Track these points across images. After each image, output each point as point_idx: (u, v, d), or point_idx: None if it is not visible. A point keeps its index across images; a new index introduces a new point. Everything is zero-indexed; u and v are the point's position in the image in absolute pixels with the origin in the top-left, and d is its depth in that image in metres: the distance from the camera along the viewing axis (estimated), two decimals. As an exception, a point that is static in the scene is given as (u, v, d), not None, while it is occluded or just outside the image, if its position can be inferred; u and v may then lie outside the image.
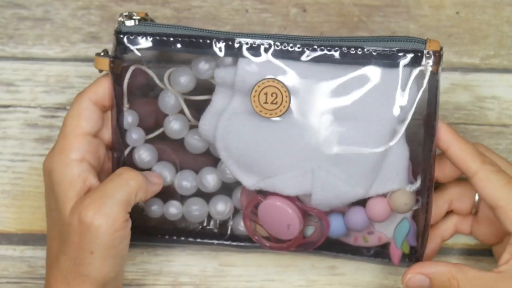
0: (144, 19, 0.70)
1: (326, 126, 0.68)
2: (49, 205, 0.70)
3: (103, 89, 0.70)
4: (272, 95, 0.67)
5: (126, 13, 0.70)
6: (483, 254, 0.78)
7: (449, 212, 0.74)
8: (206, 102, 0.71)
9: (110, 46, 0.78)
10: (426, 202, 0.69)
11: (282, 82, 0.67)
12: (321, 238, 0.71)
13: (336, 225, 0.71)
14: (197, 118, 0.71)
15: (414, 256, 0.72)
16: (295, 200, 0.70)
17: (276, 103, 0.67)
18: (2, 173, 0.79)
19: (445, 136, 0.68)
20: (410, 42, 0.67)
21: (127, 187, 0.68)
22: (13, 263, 0.78)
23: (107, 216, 0.66)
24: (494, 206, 0.67)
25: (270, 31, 0.79)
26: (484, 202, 0.71)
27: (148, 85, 0.71)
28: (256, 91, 0.67)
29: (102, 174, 0.72)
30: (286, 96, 0.67)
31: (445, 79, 0.78)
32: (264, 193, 0.71)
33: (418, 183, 0.69)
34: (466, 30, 0.79)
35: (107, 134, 0.71)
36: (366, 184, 0.68)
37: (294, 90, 0.67)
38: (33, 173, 0.78)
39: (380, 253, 0.74)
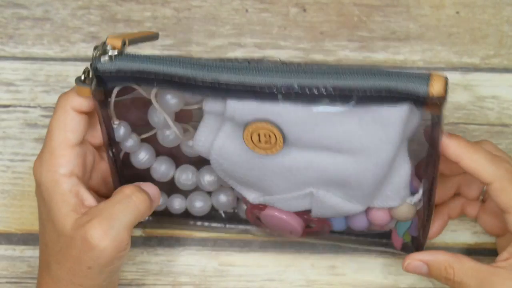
0: (120, 53, 0.64)
1: (322, 160, 0.65)
2: (41, 214, 0.69)
3: (86, 95, 0.67)
4: (265, 136, 0.64)
5: (99, 45, 0.64)
6: (482, 253, 0.78)
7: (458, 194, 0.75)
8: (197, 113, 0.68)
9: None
10: (428, 196, 0.69)
11: (275, 124, 0.63)
12: (323, 231, 0.73)
13: (337, 225, 0.72)
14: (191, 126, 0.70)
15: (415, 244, 0.72)
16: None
17: (269, 143, 0.64)
18: (1, 173, 0.79)
19: (455, 151, 0.67)
20: (412, 83, 0.60)
21: (136, 212, 0.67)
22: (13, 263, 0.78)
23: (114, 239, 0.65)
24: (506, 211, 0.67)
25: (270, 31, 0.78)
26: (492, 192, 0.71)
27: (136, 98, 0.69)
28: (248, 130, 0.64)
29: (95, 173, 0.71)
30: (281, 138, 0.63)
31: (445, 79, 0.78)
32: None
33: (420, 194, 0.68)
34: (466, 30, 0.79)
35: (94, 134, 0.70)
36: (366, 202, 0.68)
37: (288, 129, 0.63)
38: (33, 173, 0.78)
39: (383, 235, 0.74)
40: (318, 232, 0.73)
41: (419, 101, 0.60)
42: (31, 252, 0.78)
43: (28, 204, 0.78)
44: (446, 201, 0.75)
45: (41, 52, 0.79)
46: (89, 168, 0.70)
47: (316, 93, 0.61)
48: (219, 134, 0.66)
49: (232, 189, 0.73)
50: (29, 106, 0.79)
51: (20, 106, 0.79)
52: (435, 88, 0.60)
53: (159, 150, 0.73)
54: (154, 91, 0.66)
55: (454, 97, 0.78)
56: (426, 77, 0.60)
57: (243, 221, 0.75)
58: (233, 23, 0.79)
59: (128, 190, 0.68)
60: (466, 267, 0.68)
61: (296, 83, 0.61)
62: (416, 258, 0.69)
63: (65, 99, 0.68)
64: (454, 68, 0.78)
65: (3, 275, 0.78)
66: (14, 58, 0.79)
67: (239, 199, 0.74)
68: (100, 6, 0.79)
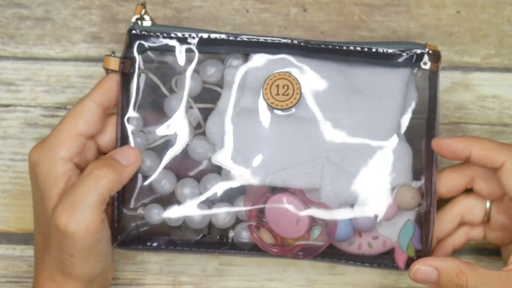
0: (154, 22, 0.72)
1: (335, 119, 0.70)
2: (34, 198, 0.70)
3: (108, 90, 0.70)
4: (283, 87, 0.69)
5: (138, 15, 0.70)
6: (482, 253, 0.78)
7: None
8: (208, 112, 0.72)
9: (111, 46, 0.78)
10: (429, 203, 0.70)
11: (293, 75, 0.69)
12: (327, 240, 0.71)
13: (343, 225, 0.71)
14: (199, 126, 0.72)
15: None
16: (303, 195, 0.70)
17: (287, 95, 0.69)
18: (2, 172, 0.79)
19: (461, 145, 0.68)
20: (410, 45, 0.70)
21: (97, 189, 0.66)
22: (13, 262, 0.78)
23: (80, 222, 0.66)
24: None
25: (270, 31, 0.79)
26: (495, 208, 0.71)
27: (153, 91, 0.72)
28: (267, 84, 0.69)
29: None
30: (298, 88, 0.69)
31: (446, 78, 0.78)
32: (271, 191, 0.71)
33: (422, 181, 0.70)
34: (467, 29, 0.78)
35: (103, 139, 0.71)
36: (373, 178, 0.70)
37: (304, 85, 0.70)
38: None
39: (384, 260, 0.72)
40: (320, 247, 0.71)
41: (417, 57, 0.70)
42: (32, 252, 0.78)
43: (28, 204, 0.78)
44: (450, 233, 0.73)
45: (42, 52, 0.79)
46: (89, 162, 0.70)
47: (332, 47, 0.70)
48: (236, 105, 0.71)
49: (232, 205, 0.72)
50: (29, 106, 0.79)
51: (21, 105, 0.79)
52: (431, 47, 0.70)
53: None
54: (175, 78, 0.71)
55: (455, 97, 0.78)
56: (421, 45, 0.70)
57: (238, 247, 0.73)
58: (233, 23, 0.79)
59: (89, 168, 0.68)
60: (479, 273, 0.67)
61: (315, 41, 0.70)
62: (426, 263, 0.68)
63: (88, 93, 0.70)
64: (455, 68, 0.78)
65: (3, 275, 0.78)
66: (15, 58, 0.79)
67: (238, 220, 0.72)
68: (101, 6, 0.79)
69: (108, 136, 0.71)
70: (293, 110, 0.70)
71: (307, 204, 0.70)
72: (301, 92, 0.69)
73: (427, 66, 0.70)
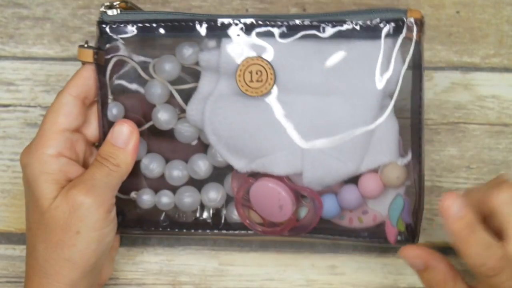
0: (125, 4, 0.70)
1: (313, 102, 0.68)
2: (26, 199, 0.70)
3: (83, 81, 0.70)
4: (257, 73, 0.68)
5: (107, 3, 0.70)
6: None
7: None
8: (192, 92, 0.71)
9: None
10: (418, 176, 0.69)
11: (266, 60, 0.68)
12: (314, 219, 0.71)
13: (329, 205, 0.71)
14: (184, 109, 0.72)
15: (410, 233, 0.71)
16: (285, 180, 0.70)
17: (261, 81, 0.68)
18: (2, 172, 0.79)
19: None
20: (391, 12, 0.68)
21: (112, 173, 0.69)
22: (13, 262, 0.78)
23: (97, 196, 0.67)
24: None
25: (270, 31, 0.79)
26: None
27: (132, 76, 0.71)
28: (241, 70, 0.68)
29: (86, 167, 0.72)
30: (271, 74, 0.68)
31: (445, 78, 0.78)
32: (255, 176, 0.71)
33: (409, 156, 0.70)
34: (466, 29, 0.79)
35: (90, 130, 0.72)
36: (357, 159, 0.69)
37: (278, 68, 0.68)
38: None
39: (375, 233, 0.72)
40: (308, 226, 0.71)
41: (399, 27, 0.67)
42: (31, 252, 0.78)
43: (28, 204, 0.79)
44: None
45: (41, 52, 0.79)
46: (81, 156, 0.71)
47: (305, 23, 0.68)
48: (213, 92, 0.69)
49: (222, 185, 0.73)
50: (29, 106, 0.79)
51: (20, 105, 0.79)
52: (413, 14, 0.68)
53: (150, 149, 0.73)
54: (152, 62, 0.71)
55: (454, 97, 0.78)
56: (403, 10, 0.68)
57: (231, 227, 0.74)
58: (233, 22, 0.79)
59: (99, 157, 0.69)
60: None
61: (292, 18, 0.68)
62: (421, 251, 0.68)
63: (64, 86, 0.70)
64: (454, 68, 0.78)
65: (3, 275, 0.78)
66: (15, 57, 0.79)
67: (229, 198, 0.73)
68: (100, 6, 0.79)
69: (94, 126, 0.72)
70: (270, 94, 0.68)
71: (290, 188, 0.70)
72: (275, 77, 0.68)
73: (408, 36, 0.67)
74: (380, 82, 0.68)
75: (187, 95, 0.71)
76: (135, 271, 0.79)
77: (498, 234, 0.66)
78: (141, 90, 0.72)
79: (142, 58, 0.71)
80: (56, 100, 0.70)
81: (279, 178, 0.70)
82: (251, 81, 0.68)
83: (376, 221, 0.72)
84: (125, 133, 0.70)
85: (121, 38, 0.69)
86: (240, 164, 0.70)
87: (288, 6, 0.79)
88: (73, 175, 0.69)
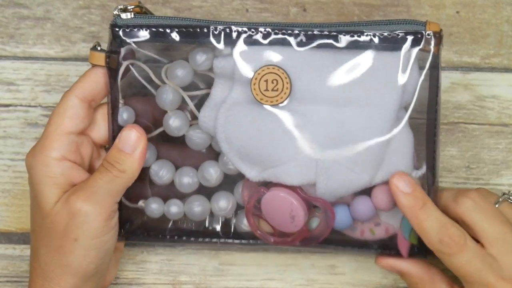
0: (139, 9, 0.70)
1: (329, 113, 0.67)
2: (31, 200, 0.70)
3: (90, 84, 0.69)
4: (272, 82, 0.67)
5: (121, 6, 0.69)
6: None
7: None
8: (205, 98, 0.70)
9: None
10: (432, 188, 0.69)
11: (282, 68, 0.67)
12: (326, 230, 0.70)
13: (341, 216, 0.70)
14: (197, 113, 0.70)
15: (423, 246, 0.69)
16: (298, 190, 0.69)
17: (276, 90, 0.67)
18: (2, 172, 0.79)
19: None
20: (410, 25, 0.67)
21: (116, 179, 0.67)
22: (13, 262, 0.79)
23: (96, 203, 0.67)
24: None
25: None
26: None
27: (144, 82, 0.71)
28: (256, 79, 0.67)
29: (92, 173, 0.71)
30: (287, 83, 0.67)
31: (446, 78, 0.78)
32: (266, 185, 0.70)
33: (424, 169, 0.69)
34: (466, 30, 0.79)
35: (97, 132, 0.71)
36: (371, 171, 0.68)
37: (294, 78, 0.67)
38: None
39: (387, 245, 0.72)
40: (319, 237, 0.71)
41: (417, 40, 0.67)
42: (32, 251, 0.78)
43: (28, 204, 0.78)
44: None
45: (42, 52, 0.79)
46: (87, 159, 0.71)
47: (322, 33, 0.67)
48: (227, 99, 0.68)
49: (232, 193, 0.72)
50: (29, 106, 0.79)
51: (21, 105, 0.79)
52: (432, 27, 0.67)
53: (160, 155, 0.72)
54: (165, 67, 0.70)
55: (454, 97, 0.78)
56: (422, 23, 0.67)
57: (241, 236, 0.73)
58: (233, 23, 0.79)
59: (105, 162, 0.68)
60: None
61: (302, 27, 0.67)
62: (393, 261, 0.71)
63: (69, 89, 0.69)
64: (454, 68, 0.78)
65: (3, 274, 0.78)
66: (15, 57, 0.79)
67: (239, 207, 0.73)
68: (101, 6, 0.79)
69: (101, 129, 0.71)
70: (285, 103, 0.67)
71: (302, 199, 0.69)
72: (291, 87, 0.67)
73: (427, 49, 0.67)
74: (397, 94, 0.67)
75: (199, 101, 0.71)
76: (135, 271, 0.79)
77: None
78: (152, 94, 0.71)
79: (153, 68, 0.70)
80: (61, 102, 0.69)
81: (292, 188, 0.69)
82: (267, 89, 0.67)
83: (388, 233, 0.71)
84: (132, 139, 0.68)
85: (133, 42, 0.68)
86: (252, 173, 0.69)
87: (288, 6, 0.79)
88: (76, 179, 0.69)
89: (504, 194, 0.70)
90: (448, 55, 0.78)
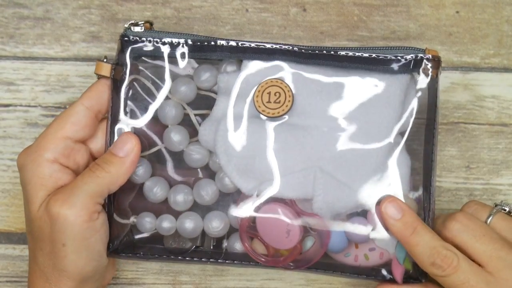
0: (149, 26, 0.71)
1: (328, 128, 0.68)
2: (24, 200, 0.70)
3: (97, 94, 0.70)
4: (275, 94, 0.68)
5: (133, 21, 0.70)
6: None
7: None
8: (205, 118, 0.71)
9: (110, 46, 0.78)
10: (428, 210, 0.69)
11: (285, 82, 0.68)
12: (320, 251, 0.70)
13: (336, 236, 0.70)
14: (195, 133, 0.71)
15: (417, 271, 0.70)
16: (294, 205, 0.69)
17: (279, 102, 0.68)
18: (2, 172, 0.79)
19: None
20: (410, 50, 0.69)
21: (97, 179, 0.67)
22: (13, 262, 0.78)
23: (73, 205, 0.66)
24: None
25: (270, 31, 0.79)
26: None
27: (146, 97, 0.71)
28: (259, 91, 0.68)
29: None
30: (290, 96, 0.68)
31: (445, 78, 0.78)
32: (263, 200, 0.69)
33: (420, 191, 0.69)
34: (466, 30, 0.79)
35: (95, 145, 0.71)
36: (368, 189, 0.68)
37: (296, 92, 0.68)
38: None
39: (380, 272, 0.71)
40: (312, 258, 0.70)
41: (417, 63, 0.68)
42: (32, 251, 0.78)
43: (28, 203, 0.79)
44: None
45: (41, 52, 0.79)
46: (81, 168, 0.70)
47: (327, 52, 0.68)
48: (228, 113, 0.69)
49: (226, 214, 0.71)
50: (29, 106, 0.79)
51: (21, 105, 0.79)
52: (431, 52, 0.68)
53: (154, 172, 0.72)
54: (168, 83, 0.70)
55: (454, 97, 0.78)
56: (421, 50, 0.69)
57: (232, 258, 0.72)
58: (233, 23, 0.79)
59: (91, 165, 0.68)
60: None
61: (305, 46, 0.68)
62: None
63: (80, 97, 0.69)
64: (454, 68, 0.78)
65: (3, 274, 0.78)
66: (15, 57, 0.79)
67: (231, 229, 0.72)
68: (101, 6, 0.79)
69: (99, 141, 0.71)
70: (286, 117, 0.68)
71: (298, 214, 0.69)
72: (293, 100, 0.68)
73: (426, 73, 0.68)
74: (395, 114, 0.68)
75: (200, 118, 0.71)
76: (135, 271, 0.79)
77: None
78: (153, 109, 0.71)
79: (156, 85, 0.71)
80: (68, 108, 0.69)
81: (288, 202, 0.69)
82: (269, 101, 0.68)
83: (383, 258, 0.71)
84: (127, 145, 0.68)
85: (141, 55, 0.69)
86: (249, 187, 0.69)
87: (288, 6, 0.79)
88: (62, 182, 0.68)
89: (496, 205, 0.70)
90: (448, 55, 0.78)
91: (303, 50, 0.68)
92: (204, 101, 0.71)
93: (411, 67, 0.68)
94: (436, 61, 0.68)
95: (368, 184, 0.68)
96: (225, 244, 0.72)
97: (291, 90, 0.68)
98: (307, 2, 0.79)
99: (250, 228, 0.70)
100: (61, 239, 0.66)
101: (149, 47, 0.69)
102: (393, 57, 0.68)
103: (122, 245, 0.71)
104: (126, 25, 0.70)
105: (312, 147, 0.68)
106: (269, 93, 0.68)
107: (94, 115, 0.70)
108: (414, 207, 0.69)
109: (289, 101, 0.68)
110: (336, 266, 0.71)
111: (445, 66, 0.78)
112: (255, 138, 0.68)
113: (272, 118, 0.68)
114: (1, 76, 0.79)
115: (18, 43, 0.79)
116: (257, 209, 0.69)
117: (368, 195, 0.68)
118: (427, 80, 0.68)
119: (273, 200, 0.69)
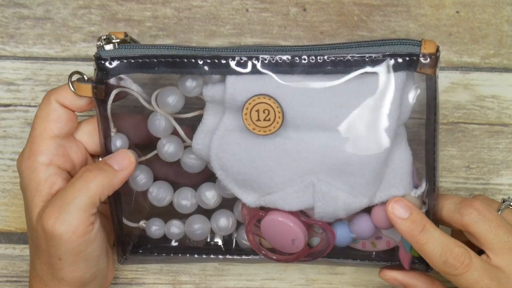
0: (123, 41, 0.67)
1: (324, 138, 0.66)
2: (24, 206, 0.70)
3: (68, 94, 0.68)
4: (264, 112, 0.65)
5: (104, 36, 0.67)
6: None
7: None
8: (198, 118, 0.69)
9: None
10: (432, 204, 0.69)
11: (273, 98, 0.65)
12: (327, 248, 0.70)
13: (341, 235, 0.70)
14: (190, 136, 0.69)
15: (424, 260, 0.69)
16: (298, 214, 0.69)
17: (269, 120, 0.65)
18: (2, 172, 0.79)
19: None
20: (405, 45, 0.65)
21: (87, 191, 0.66)
22: (13, 261, 0.79)
23: (67, 223, 0.65)
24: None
25: (270, 31, 0.79)
26: None
27: (135, 106, 0.70)
28: (247, 109, 0.65)
29: None
30: (279, 112, 0.65)
31: (445, 78, 0.78)
32: (265, 209, 0.69)
33: (423, 187, 0.69)
34: (466, 29, 0.79)
35: (86, 137, 0.70)
36: (369, 193, 0.67)
37: (286, 106, 0.65)
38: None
39: (390, 256, 0.72)
40: (322, 252, 0.71)
41: (412, 62, 0.64)
42: (32, 251, 0.78)
43: (28, 203, 0.79)
44: None
45: (42, 52, 0.79)
46: (78, 166, 0.70)
47: (313, 61, 0.64)
48: (220, 126, 0.67)
49: (232, 211, 0.71)
50: (29, 106, 0.79)
51: (21, 105, 0.79)
52: (427, 47, 0.64)
53: (157, 175, 0.72)
54: (155, 93, 0.68)
55: (454, 97, 0.78)
56: (417, 42, 0.65)
57: (242, 251, 0.73)
58: (233, 22, 0.79)
59: (80, 171, 0.67)
60: None
61: (293, 54, 0.65)
62: (396, 273, 0.71)
63: (50, 92, 0.68)
64: (454, 68, 0.78)
65: (3, 274, 0.78)
66: (15, 57, 0.79)
67: (239, 223, 0.72)
68: (101, 6, 0.79)
69: (85, 134, 0.70)
70: (279, 132, 0.66)
71: (302, 224, 0.69)
72: (283, 116, 0.65)
73: (422, 71, 0.65)
74: (393, 116, 0.65)
75: (191, 121, 0.69)
76: (135, 271, 0.79)
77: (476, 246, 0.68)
78: (144, 116, 0.70)
79: (144, 90, 0.69)
80: (42, 106, 0.68)
81: (291, 212, 0.69)
82: (258, 120, 0.65)
83: (389, 246, 0.71)
84: (124, 161, 0.68)
85: (119, 74, 0.67)
86: (249, 199, 0.69)
87: (288, 6, 0.79)
88: (57, 187, 0.68)
89: (504, 201, 0.70)
90: (448, 55, 0.78)
91: (289, 64, 0.65)
92: (195, 100, 0.69)
93: (405, 67, 0.65)
94: (433, 59, 0.64)
95: (369, 187, 0.67)
96: (234, 235, 0.73)
97: (280, 106, 0.65)
98: (307, 2, 0.79)
99: (256, 229, 0.70)
100: (57, 254, 0.66)
101: (125, 68, 0.66)
102: (385, 59, 0.65)
103: (134, 250, 0.72)
104: (98, 43, 0.67)
105: (308, 160, 0.66)
106: (257, 110, 0.65)
107: (69, 109, 0.69)
108: (418, 206, 0.69)
109: (279, 117, 0.65)
110: (347, 254, 0.72)
111: (445, 66, 0.78)
112: (250, 153, 0.67)
113: (264, 136, 0.66)
114: (1, 76, 0.79)
115: (18, 43, 0.79)
116: (260, 217, 0.69)
117: (370, 198, 0.68)
118: (424, 79, 0.66)
119: (276, 209, 0.69)
